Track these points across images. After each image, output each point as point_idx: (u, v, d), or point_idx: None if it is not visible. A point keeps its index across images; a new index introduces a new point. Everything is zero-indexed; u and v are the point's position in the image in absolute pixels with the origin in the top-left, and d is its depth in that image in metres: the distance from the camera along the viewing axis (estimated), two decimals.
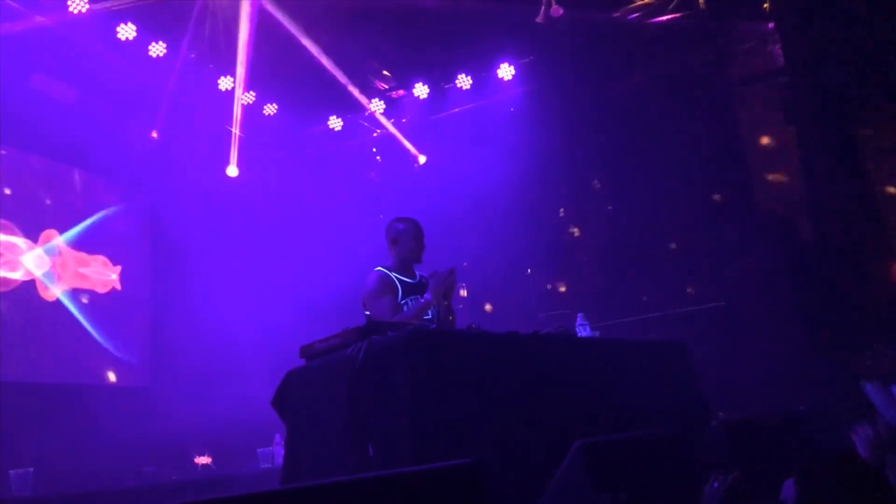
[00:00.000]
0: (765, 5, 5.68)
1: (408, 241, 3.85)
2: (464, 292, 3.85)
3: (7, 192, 6.18)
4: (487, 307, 6.98)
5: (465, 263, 5.63)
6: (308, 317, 6.77)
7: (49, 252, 6.45)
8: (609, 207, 6.59)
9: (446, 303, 3.85)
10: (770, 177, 5.97)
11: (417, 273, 3.93)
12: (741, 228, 5.27)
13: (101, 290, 6.88)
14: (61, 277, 6.55)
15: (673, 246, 6.20)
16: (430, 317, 3.72)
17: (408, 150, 7.88)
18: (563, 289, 6.84)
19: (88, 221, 6.85)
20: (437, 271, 3.75)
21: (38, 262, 6.36)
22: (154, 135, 7.11)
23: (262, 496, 1.78)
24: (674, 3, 6.12)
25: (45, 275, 6.42)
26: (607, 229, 6.65)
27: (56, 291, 6.46)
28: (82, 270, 6.76)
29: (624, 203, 6.50)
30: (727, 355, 5.14)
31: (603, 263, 6.56)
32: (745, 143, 6.26)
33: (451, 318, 3.88)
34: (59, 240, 6.56)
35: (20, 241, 6.30)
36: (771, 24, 5.76)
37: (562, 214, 6.96)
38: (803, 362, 4.43)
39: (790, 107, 5.55)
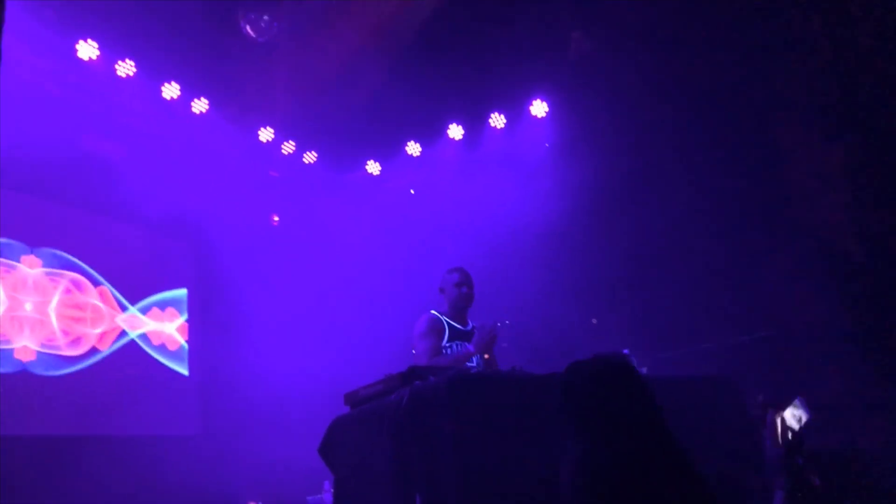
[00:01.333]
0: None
1: (451, 290, 4.11)
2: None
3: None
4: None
5: (507, 321, 5.71)
6: (355, 362, 6.81)
7: (118, 309, 6.67)
8: (650, 238, 6.49)
9: (487, 356, 3.92)
10: (820, 200, 5.82)
11: (471, 322, 4.14)
12: (792, 254, 5.12)
13: (170, 346, 7.09)
14: (122, 331, 6.75)
15: (717, 275, 6.07)
16: (473, 364, 3.80)
17: (446, 192, 7.95)
18: (606, 323, 6.73)
19: (140, 272, 7.06)
20: (483, 324, 3.89)
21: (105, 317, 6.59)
22: (275, 219, 7.49)
23: None
24: None
25: (107, 330, 6.64)
26: (649, 260, 6.55)
27: (116, 343, 6.65)
28: (147, 324, 6.97)
29: (666, 233, 6.40)
30: (780, 387, 4.97)
31: (646, 295, 6.45)
32: (792, 166, 6.13)
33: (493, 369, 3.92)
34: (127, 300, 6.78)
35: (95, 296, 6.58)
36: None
37: (602, 247, 6.89)
38: (860, 394, 4.26)
39: (839, 127, 5.43)
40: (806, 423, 2.00)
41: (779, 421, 1.95)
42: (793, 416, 2.03)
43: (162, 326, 7.11)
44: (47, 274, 6.32)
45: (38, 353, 6.05)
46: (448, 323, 4.03)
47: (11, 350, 5.88)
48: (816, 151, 5.68)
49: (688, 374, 4.98)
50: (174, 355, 7.17)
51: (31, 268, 6.19)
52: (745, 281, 5.60)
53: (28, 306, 6.09)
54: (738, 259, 5.51)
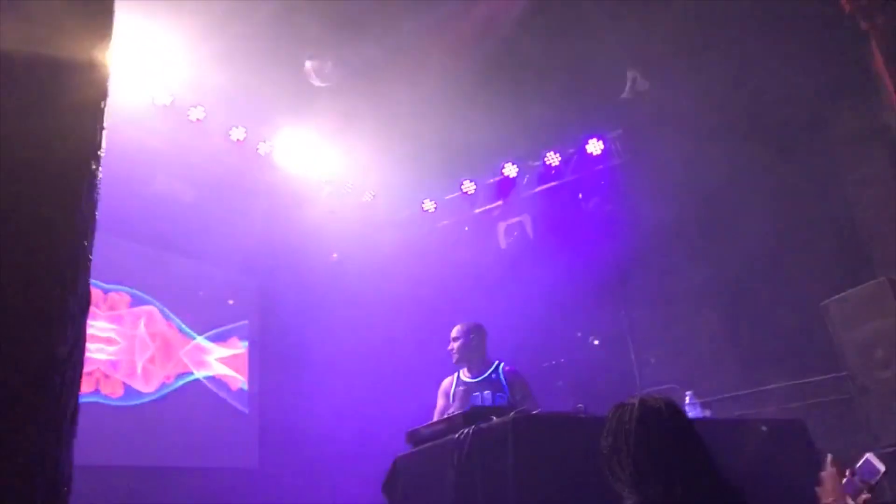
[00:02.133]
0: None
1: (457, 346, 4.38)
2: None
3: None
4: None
5: (562, 360, 5.79)
6: (413, 403, 6.85)
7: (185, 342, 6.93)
8: (712, 276, 6.40)
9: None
10: (885, 237, 5.67)
11: (492, 362, 4.31)
12: (861, 291, 4.98)
13: (231, 385, 7.32)
14: (187, 367, 6.99)
15: (783, 313, 5.93)
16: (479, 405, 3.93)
17: (498, 228, 8.01)
18: (667, 363, 6.62)
19: (206, 308, 7.31)
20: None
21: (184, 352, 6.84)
22: (335, 256, 7.77)
23: None
24: None
25: (176, 364, 6.90)
26: (712, 299, 6.45)
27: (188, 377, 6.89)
28: (211, 359, 7.20)
29: (729, 270, 6.30)
30: (851, 430, 4.81)
31: (710, 334, 6.34)
32: (855, 203, 6.00)
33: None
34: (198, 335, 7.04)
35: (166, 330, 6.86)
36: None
37: (661, 285, 6.82)
38: None
39: None
40: (878, 480, 1.91)
41: (837, 476, 1.87)
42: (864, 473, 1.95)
43: (223, 365, 7.32)
44: (129, 311, 6.64)
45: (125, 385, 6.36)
46: (457, 377, 4.31)
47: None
48: (884, 187, 5.56)
49: (754, 417, 4.87)
50: (235, 393, 7.36)
51: (124, 307, 6.56)
52: (811, 320, 5.46)
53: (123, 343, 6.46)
54: (808, 297, 5.38)
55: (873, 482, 1.90)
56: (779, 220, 6.04)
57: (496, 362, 4.30)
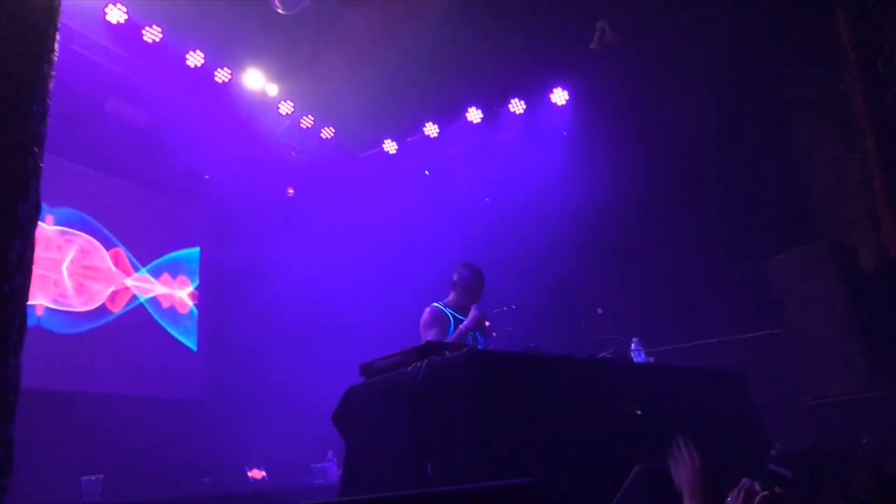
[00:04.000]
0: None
1: (464, 291, 4.29)
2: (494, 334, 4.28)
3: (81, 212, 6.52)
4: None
5: (513, 306, 5.88)
6: (364, 337, 6.91)
7: (130, 270, 6.77)
8: (663, 231, 6.54)
9: (495, 335, 4.11)
10: (830, 202, 5.86)
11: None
12: (801, 252, 5.17)
13: (180, 309, 7.21)
14: (133, 294, 6.85)
15: (730, 270, 6.12)
16: (480, 344, 3.97)
17: (460, 174, 8.00)
18: (614, 313, 6.80)
19: (154, 236, 7.15)
20: (480, 305, 4.14)
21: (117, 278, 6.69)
22: (290, 191, 7.57)
23: None
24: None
25: (120, 291, 6.75)
26: (661, 253, 6.61)
27: (126, 306, 6.76)
28: (157, 288, 7.06)
29: (679, 226, 6.45)
30: (785, 384, 5.05)
31: (657, 288, 6.51)
32: (804, 168, 6.17)
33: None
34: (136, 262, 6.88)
35: (106, 257, 6.67)
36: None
37: (614, 238, 6.94)
38: (865, 392, 4.33)
39: (851, 132, 5.46)
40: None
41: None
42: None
43: (172, 291, 7.21)
44: (62, 233, 6.40)
45: (49, 308, 6.14)
46: (453, 315, 4.20)
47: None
48: (835, 154, 5.71)
49: (695, 365, 5.06)
50: (183, 319, 7.28)
51: (47, 225, 6.29)
52: (754, 278, 5.65)
53: (41, 263, 6.19)
54: (752, 255, 5.55)
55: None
56: (731, 179, 6.18)
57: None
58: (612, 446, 2.91)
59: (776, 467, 2.00)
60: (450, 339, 4.00)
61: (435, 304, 4.26)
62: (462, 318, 4.17)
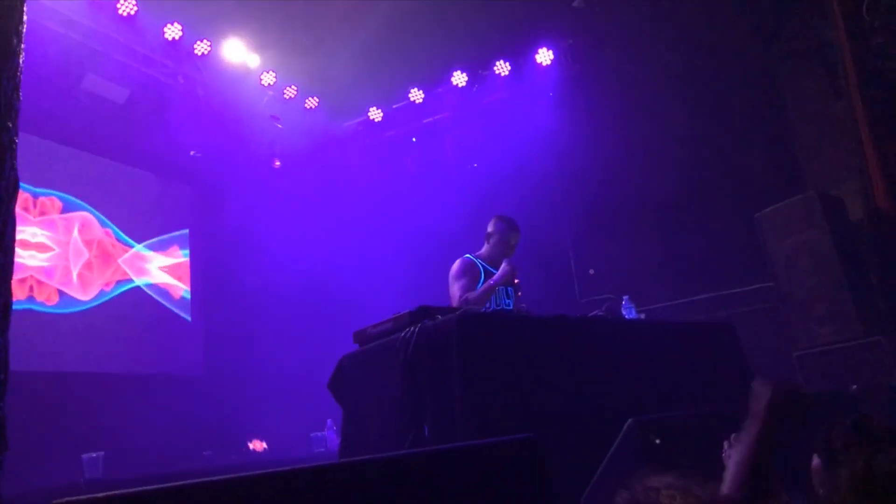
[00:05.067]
0: None
1: (497, 244, 4.17)
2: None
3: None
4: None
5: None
6: (359, 302, 6.91)
7: (121, 250, 6.73)
8: (652, 189, 6.54)
9: (520, 293, 4.03)
10: (818, 153, 5.86)
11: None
12: (789, 205, 5.18)
13: (174, 293, 7.19)
14: (127, 274, 6.83)
15: (718, 226, 6.14)
16: (509, 302, 3.93)
17: (447, 140, 7.95)
18: (604, 273, 6.83)
19: (144, 215, 7.10)
20: (509, 260, 4.00)
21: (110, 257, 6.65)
22: (277, 163, 7.51)
23: (324, 468, 1.85)
24: None
25: (115, 271, 6.73)
26: (649, 212, 6.62)
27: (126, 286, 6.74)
28: (149, 263, 7.04)
29: (667, 184, 6.45)
30: (777, 335, 5.10)
31: (646, 247, 6.54)
32: (790, 120, 6.15)
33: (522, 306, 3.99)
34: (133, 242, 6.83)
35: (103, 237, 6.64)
36: None
37: (603, 198, 6.94)
38: (854, 339, 4.38)
39: (837, 82, 5.44)
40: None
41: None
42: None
43: (164, 273, 7.19)
44: (61, 216, 6.38)
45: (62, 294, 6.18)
46: (484, 267, 4.11)
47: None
48: (822, 104, 5.69)
49: (687, 320, 5.10)
50: (177, 300, 7.27)
51: (56, 212, 6.29)
52: (743, 232, 5.66)
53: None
54: (741, 209, 5.56)
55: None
56: (718, 133, 6.16)
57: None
58: (605, 401, 2.94)
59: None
60: (478, 291, 3.92)
61: (467, 255, 4.17)
62: (493, 270, 4.06)
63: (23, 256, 5.94)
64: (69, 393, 5.73)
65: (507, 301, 4.02)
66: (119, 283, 6.75)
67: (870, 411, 3.17)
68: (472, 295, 3.87)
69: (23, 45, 1.75)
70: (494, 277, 3.94)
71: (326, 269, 7.64)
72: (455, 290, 3.97)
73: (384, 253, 7.54)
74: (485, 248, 4.22)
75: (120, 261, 6.80)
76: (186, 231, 7.50)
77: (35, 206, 6.16)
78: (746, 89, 6.21)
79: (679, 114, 6.27)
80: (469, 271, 4.05)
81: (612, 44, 6.85)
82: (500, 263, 4.04)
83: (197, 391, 6.82)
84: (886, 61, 4.83)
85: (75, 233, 6.44)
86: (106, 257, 6.68)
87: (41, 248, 6.13)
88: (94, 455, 4.40)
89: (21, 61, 1.88)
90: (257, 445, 6.37)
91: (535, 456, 1.94)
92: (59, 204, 6.37)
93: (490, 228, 4.23)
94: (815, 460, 1.80)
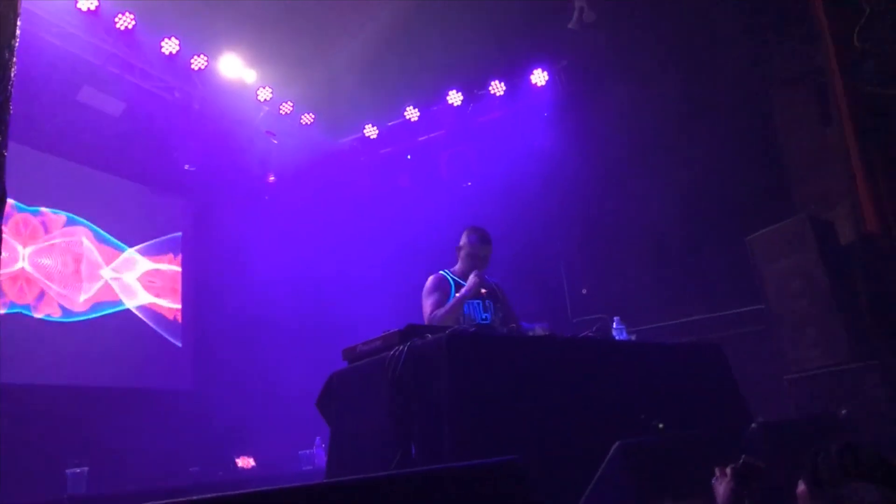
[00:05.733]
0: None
1: (467, 255, 4.12)
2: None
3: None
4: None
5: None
6: (349, 320, 6.89)
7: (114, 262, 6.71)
8: (644, 210, 6.57)
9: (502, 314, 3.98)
10: (809, 177, 5.91)
11: (487, 279, 4.11)
12: (780, 228, 5.21)
13: (167, 315, 7.17)
14: (117, 290, 6.80)
15: (710, 248, 6.16)
16: (487, 317, 3.89)
17: (441, 158, 7.98)
18: (596, 293, 6.83)
19: (137, 226, 7.08)
20: (476, 273, 3.95)
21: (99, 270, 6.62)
22: (271, 178, 7.51)
23: (310, 488, 1.83)
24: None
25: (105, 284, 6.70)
26: (642, 233, 6.64)
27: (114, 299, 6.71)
28: (140, 277, 7.01)
29: (660, 206, 6.48)
30: (768, 358, 5.10)
31: (638, 268, 6.55)
32: (782, 145, 6.20)
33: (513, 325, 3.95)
34: (129, 251, 6.81)
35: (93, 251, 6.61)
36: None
37: (596, 219, 6.96)
38: (844, 363, 4.38)
39: (828, 108, 5.49)
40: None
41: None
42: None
43: (157, 288, 7.16)
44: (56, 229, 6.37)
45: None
46: (456, 281, 4.07)
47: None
48: (813, 129, 5.74)
49: (676, 341, 5.10)
50: (167, 316, 7.24)
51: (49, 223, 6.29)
52: (734, 255, 5.68)
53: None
54: (733, 232, 5.58)
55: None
56: (711, 156, 6.20)
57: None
58: (594, 423, 2.93)
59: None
60: (446, 306, 3.88)
61: (440, 271, 4.15)
62: (465, 284, 4.01)
63: (14, 266, 5.92)
64: (54, 407, 5.67)
65: (485, 315, 3.97)
66: (113, 302, 6.72)
67: (858, 436, 3.17)
68: (440, 311, 3.84)
69: (14, 59, 1.76)
70: (462, 290, 3.91)
71: (318, 286, 7.63)
72: (426, 306, 3.93)
73: (377, 270, 7.53)
74: (458, 263, 4.18)
75: (111, 272, 6.77)
76: (179, 244, 7.48)
77: (37, 220, 6.17)
78: (739, 113, 6.26)
79: (672, 137, 6.32)
80: (440, 287, 4.01)
81: (606, 65, 6.91)
82: (469, 275, 4.01)
83: (185, 406, 6.77)
84: (877, 87, 4.89)
85: (65, 244, 6.42)
86: (96, 269, 6.65)
87: (38, 264, 6.13)
88: (79, 470, 4.35)
89: (13, 75, 1.88)
90: (245, 462, 6.31)
91: (518, 478, 1.93)
92: (52, 216, 6.35)
93: (461, 242, 4.19)
94: (801, 486, 1.80)
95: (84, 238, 6.57)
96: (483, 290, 3.93)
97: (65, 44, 5.95)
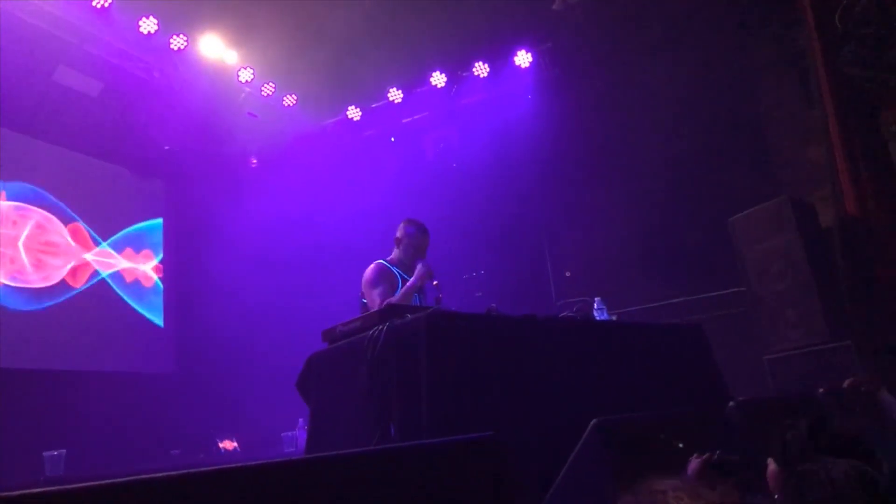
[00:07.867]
0: None
1: (408, 248, 4.11)
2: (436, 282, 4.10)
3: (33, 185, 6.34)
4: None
5: (482, 272, 5.85)
6: (329, 302, 6.86)
7: (90, 245, 6.62)
8: (628, 192, 6.57)
9: (440, 296, 4.01)
10: (791, 160, 5.93)
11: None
12: (762, 210, 5.23)
13: (145, 283, 7.09)
14: (94, 269, 6.72)
15: (692, 230, 6.18)
16: (417, 303, 3.90)
17: (425, 140, 7.93)
18: (580, 276, 6.85)
19: (114, 209, 7.00)
20: (424, 262, 4.00)
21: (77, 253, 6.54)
22: (253, 161, 7.38)
23: (290, 463, 1.81)
24: None
25: (80, 267, 6.61)
26: (626, 215, 6.65)
27: (86, 281, 6.63)
28: (119, 262, 6.93)
29: (643, 188, 6.48)
30: (748, 339, 5.14)
31: (621, 249, 6.56)
32: (766, 127, 6.22)
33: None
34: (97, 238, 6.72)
35: (64, 232, 6.51)
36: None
37: (580, 201, 6.96)
38: (823, 343, 4.43)
39: (810, 90, 5.50)
40: None
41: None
42: None
43: (135, 265, 7.09)
44: (16, 208, 6.23)
45: (6, 286, 6.00)
46: (399, 274, 4.07)
47: None
48: (795, 112, 5.76)
49: (658, 322, 5.13)
50: (148, 293, 7.17)
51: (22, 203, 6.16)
52: (716, 237, 5.71)
53: None
54: (715, 214, 5.60)
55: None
56: (694, 138, 6.21)
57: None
58: (572, 401, 2.93)
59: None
60: (398, 295, 3.87)
61: (379, 261, 4.11)
62: (407, 276, 4.03)
63: None
64: (32, 390, 5.62)
65: (429, 304, 3.97)
66: (88, 279, 6.65)
67: (833, 415, 3.20)
68: (394, 299, 3.80)
69: None
70: (412, 279, 3.93)
71: (300, 268, 7.58)
72: (374, 296, 3.89)
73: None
74: (395, 253, 4.16)
75: (87, 255, 6.69)
76: (159, 224, 7.41)
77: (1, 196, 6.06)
78: (722, 95, 6.27)
79: (655, 119, 6.31)
80: (387, 277, 4.01)
81: (590, 47, 6.88)
82: (411, 267, 4.04)
83: (166, 389, 6.74)
84: (858, 69, 4.90)
85: (38, 225, 6.34)
86: (72, 251, 6.57)
87: (4, 239, 6.02)
88: (56, 453, 4.32)
89: None
90: (228, 445, 6.30)
91: (496, 454, 1.93)
92: (24, 195, 6.26)
93: (399, 233, 4.17)
94: (771, 465, 1.81)
95: (54, 219, 6.47)
96: (435, 282, 3.94)
97: (39, 21, 5.83)
